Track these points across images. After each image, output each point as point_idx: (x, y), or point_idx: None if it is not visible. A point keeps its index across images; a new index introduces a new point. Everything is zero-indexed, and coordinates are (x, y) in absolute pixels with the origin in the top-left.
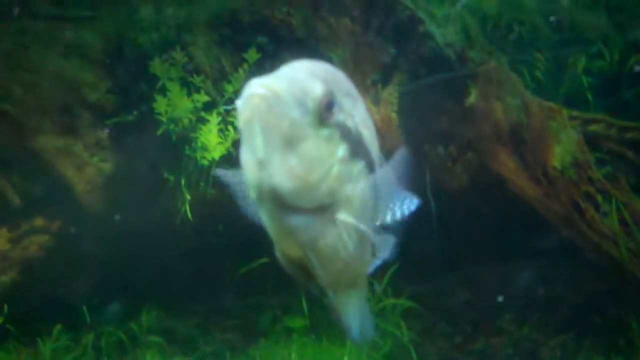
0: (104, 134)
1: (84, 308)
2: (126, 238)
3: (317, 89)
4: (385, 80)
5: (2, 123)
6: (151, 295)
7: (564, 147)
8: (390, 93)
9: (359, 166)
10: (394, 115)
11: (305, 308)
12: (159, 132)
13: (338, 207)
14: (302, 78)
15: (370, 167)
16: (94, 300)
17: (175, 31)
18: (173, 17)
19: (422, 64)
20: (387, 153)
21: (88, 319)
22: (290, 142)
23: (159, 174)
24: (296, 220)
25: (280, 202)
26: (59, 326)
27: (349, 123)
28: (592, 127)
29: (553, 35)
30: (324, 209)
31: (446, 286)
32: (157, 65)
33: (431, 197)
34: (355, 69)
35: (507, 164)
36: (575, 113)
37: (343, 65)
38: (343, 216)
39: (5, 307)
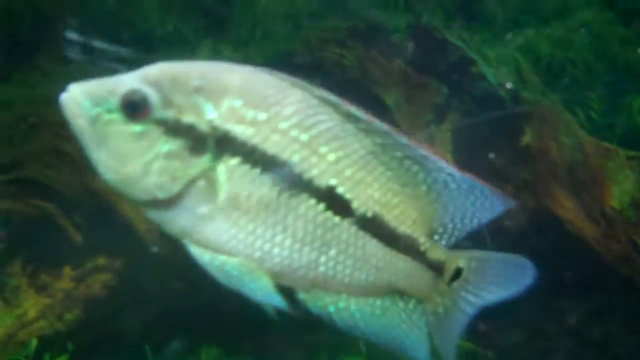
0: None
1: (146, 346)
2: (186, 275)
3: (121, 89)
4: (438, 121)
5: (64, 163)
6: (210, 333)
7: (621, 187)
8: (444, 133)
9: (228, 164)
10: (449, 155)
11: (363, 347)
12: None
13: (198, 203)
14: (122, 79)
15: (265, 167)
16: (155, 338)
17: None
18: (230, 60)
19: (475, 104)
20: None
21: (150, 357)
22: (99, 139)
23: None
24: (151, 215)
25: (125, 198)
26: None
27: (190, 120)
28: None
29: (606, 75)
30: (168, 203)
31: (502, 325)
32: None
33: (488, 237)
34: (408, 109)
35: (564, 204)
36: (632, 153)
37: (397, 106)
38: (204, 209)
39: (70, 345)
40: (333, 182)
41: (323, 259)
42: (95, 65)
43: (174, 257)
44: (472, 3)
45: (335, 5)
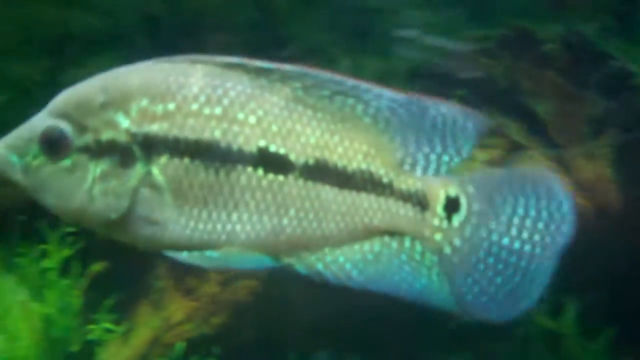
0: None
1: (291, 355)
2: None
3: (36, 132)
4: (595, 135)
5: None
6: (356, 345)
7: None
8: (604, 148)
9: (160, 164)
10: (608, 170)
11: None
12: None
13: (150, 210)
14: (34, 122)
15: (193, 154)
16: (302, 348)
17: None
18: (370, 71)
19: (635, 118)
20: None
21: None
22: (39, 186)
23: None
24: (115, 236)
25: (86, 227)
26: None
27: (108, 137)
28: None
29: None
30: (123, 220)
31: None
32: None
33: None
34: (562, 122)
35: None
36: None
37: (549, 119)
38: (157, 213)
39: (216, 349)
40: (262, 143)
41: (285, 221)
42: None
43: None
44: (634, 12)
45: (482, 14)
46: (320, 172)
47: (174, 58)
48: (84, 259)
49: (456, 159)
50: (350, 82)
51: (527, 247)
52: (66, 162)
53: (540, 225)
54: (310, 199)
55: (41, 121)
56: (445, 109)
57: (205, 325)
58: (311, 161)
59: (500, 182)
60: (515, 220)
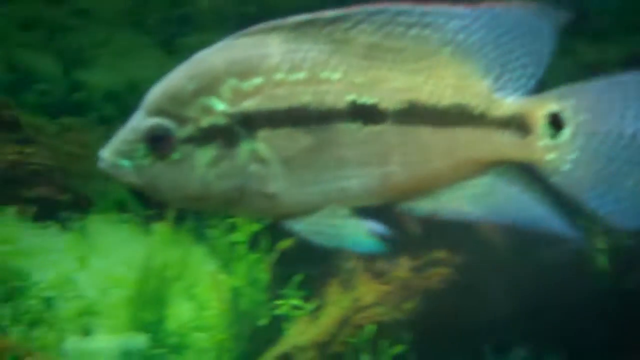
0: None
1: (486, 347)
2: (534, 278)
3: (140, 132)
4: None
5: None
6: (557, 342)
7: None
8: None
9: (263, 138)
10: None
11: None
12: None
13: (263, 185)
14: (134, 125)
15: (291, 122)
16: (497, 341)
17: None
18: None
19: None
20: None
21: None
22: (152, 184)
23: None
24: (233, 213)
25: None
26: None
27: (208, 123)
28: None
29: None
30: (239, 200)
31: None
32: None
33: None
34: None
35: None
36: None
37: None
38: (270, 187)
39: (408, 335)
40: (351, 97)
41: (390, 168)
42: None
43: (521, 258)
44: None
45: None
46: (412, 115)
47: (247, 31)
48: (273, 235)
49: (542, 66)
50: (419, 8)
51: None
52: (175, 156)
53: None
54: (410, 142)
55: (141, 122)
56: (516, 11)
57: (397, 310)
58: (402, 106)
59: (602, 89)
60: (628, 121)
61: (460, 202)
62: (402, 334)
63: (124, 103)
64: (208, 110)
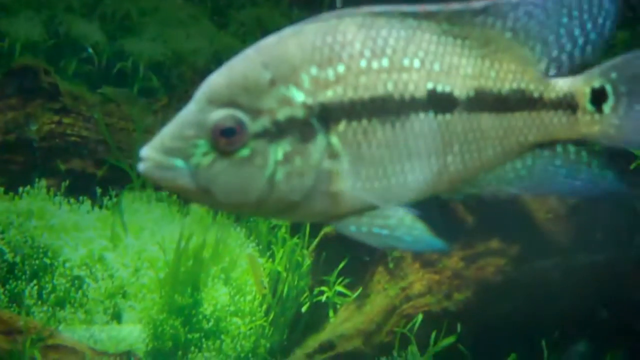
0: None
1: (543, 341)
2: (594, 274)
3: (206, 126)
4: None
5: None
6: (619, 339)
7: None
8: None
9: (339, 131)
10: None
11: None
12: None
13: (329, 183)
14: (194, 117)
15: (370, 113)
16: (555, 335)
17: None
18: None
19: None
20: None
21: (546, 354)
22: (209, 185)
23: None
24: (286, 218)
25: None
26: (513, 355)
27: (286, 115)
28: None
29: None
30: (303, 200)
31: None
32: None
33: None
34: None
35: None
36: None
37: None
38: (336, 186)
39: (459, 326)
40: (430, 85)
41: (450, 158)
42: None
43: (578, 251)
44: None
45: None
46: (479, 101)
47: (319, 17)
48: None
49: (599, 43)
50: (497, 8)
51: None
52: (244, 152)
53: None
54: (473, 130)
55: (205, 113)
56: None
57: (447, 301)
58: (472, 93)
59: (637, 61)
60: None
61: (500, 185)
62: (452, 325)
63: (168, 75)
64: (286, 101)
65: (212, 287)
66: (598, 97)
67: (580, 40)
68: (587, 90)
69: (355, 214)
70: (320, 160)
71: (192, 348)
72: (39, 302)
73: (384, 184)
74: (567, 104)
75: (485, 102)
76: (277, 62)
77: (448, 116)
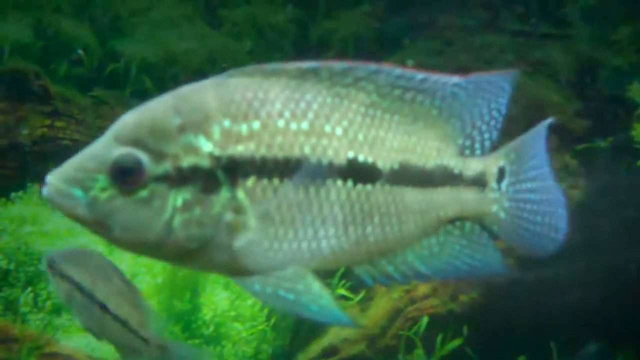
0: (572, 159)
1: (552, 343)
2: (601, 274)
3: (105, 162)
4: None
5: None
6: (629, 339)
7: None
8: None
9: (246, 187)
10: None
11: None
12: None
13: (232, 236)
14: (99, 152)
15: (282, 173)
16: (563, 337)
17: None
18: None
19: None
20: None
21: (556, 356)
22: (106, 220)
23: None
24: (186, 265)
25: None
26: (522, 357)
27: (190, 163)
28: None
29: None
30: (202, 249)
31: None
32: (636, 90)
33: None
34: None
35: None
36: None
37: None
38: (240, 241)
39: (465, 328)
40: (351, 154)
41: (369, 229)
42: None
43: (585, 249)
44: None
45: None
46: (403, 175)
47: (242, 70)
48: None
49: (500, 119)
50: (421, 75)
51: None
52: (142, 193)
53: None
54: (395, 203)
55: (108, 149)
56: (490, 77)
57: (453, 303)
58: (396, 166)
59: (527, 140)
60: (533, 173)
61: (414, 262)
62: (458, 327)
63: (161, 76)
64: (192, 150)
65: (212, 292)
66: (500, 177)
67: (487, 117)
68: (495, 169)
69: (262, 273)
70: (221, 213)
71: None
72: (35, 310)
73: (294, 246)
74: (480, 182)
75: (410, 176)
76: (189, 110)
77: (369, 187)
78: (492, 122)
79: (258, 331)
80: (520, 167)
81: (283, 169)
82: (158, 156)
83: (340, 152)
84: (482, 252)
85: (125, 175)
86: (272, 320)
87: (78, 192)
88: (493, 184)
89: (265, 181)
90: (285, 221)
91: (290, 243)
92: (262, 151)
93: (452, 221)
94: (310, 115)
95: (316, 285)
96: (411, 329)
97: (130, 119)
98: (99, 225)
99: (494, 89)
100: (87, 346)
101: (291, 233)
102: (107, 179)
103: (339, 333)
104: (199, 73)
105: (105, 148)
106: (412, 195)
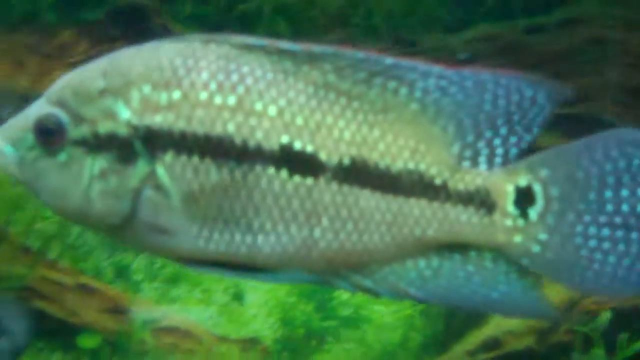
0: None
1: None
2: None
3: (30, 121)
4: None
5: None
6: None
7: None
8: None
9: (165, 162)
10: None
11: None
12: None
13: (155, 214)
14: (30, 109)
15: (202, 151)
16: None
17: None
18: None
19: None
20: None
21: None
22: (34, 180)
23: None
24: (124, 241)
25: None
26: None
27: (106, 129)
28: None
29: None
30: (127, 224)
31: None
32: None
33: None
34: None
35: None
36: None
37: None
38: (164, 218)
39: None
40: (285, 139)
41: (317, 232)
42: None
43: None
44: None
45: None
46: (357, 173)
47: (188, 37)
48: None
49: (527, 139)
50: (390, 60)
51: (633, 220)
52: (62, 156)
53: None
54: (347, 206)
55: (37, 108)
56: (507, 81)
57: None
58: (346, 161)
59: (577, 154)
60: (608, 193)
61: (398, 283)
62: None
63: (297, 18)
64: (110, 115)
65: None
66: (523, 199)
67: (503, 130)
68: (510, 188)
69: (196, 263)
70: (139, 187)
71: (328, 337)
72: (149, 278)
73: (227, 236)
74: (481, 201)
75: (367, 176)
76: (114, 73)
77: (309, 180)
78: (514, 139)
79: (405, 317)
80: (570, 189)
81: (203, 146)
82: (77, 119)
83: (272, 136)
84: (504, 284)
85: (46, 136)
86: (421, 305)
87: (9, 149)
88: (509, 207)
89: (184, 158)
90: (212, 207)
91: (222, 233)
92: (181, 124)
93: (447, 245)
94: (241, 89)
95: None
96: (588, 324)
97: (62, 80)
98: (30, 185)
99: (517, 98)
100: (207, 321)
101: (221, 221)
102: (33, 138)
103: (501, 324)
104: (340, 17)
105: (36, 107)
106: (371, 201)
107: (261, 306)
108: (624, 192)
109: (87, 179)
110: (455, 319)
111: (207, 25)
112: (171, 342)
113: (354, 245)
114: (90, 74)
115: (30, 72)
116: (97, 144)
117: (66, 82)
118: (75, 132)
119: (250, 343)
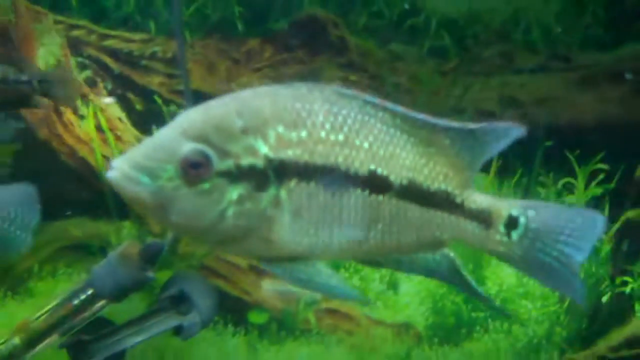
0: None
1: None
2: None
3: (176, 154)
4: None
5: None
6: None
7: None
8: None
9: (289, 187)
10: None
11: None
12: None
13: (268, 229)
14: (169, 143)
15: (317, 178)
16: None
17: None
18: None
19: None
20: None
21: None
22: (167, 207)
23: None
24: (221, 249)
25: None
26: None
27: (249, 162)
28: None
29: None
30: (243, 236)
31: None
32: None
33: None
34: None
35: None
36: (60, 18)
37: None
38: (275, 234)
39: None
40: (372, 167)
41: (372, 233)
42: None
43: None
44: None
45: None
46: (410, 191)
47: (293, 84)
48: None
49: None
50: (443, 122)
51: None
52: (205, 186)
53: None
54: (399, 214)
55: (177, 143)
56: (494, 126)
57: None
58: (405, 182)
59: (557, 211)
60: (562, 237)
61: (410, 273)
62: None
63: (461, 33)
64: (252, 151)
65: (497, 266)
66: (511, 224)
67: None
68: (505, 214)
69: (283, 261)
70: (266, 208)
71: (477, 327)
72: None
73: (312, 240)
74: (483, 219)
75: (415, 193)
76: (250, 114)
77: (380, 197)
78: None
79: (550, 312)
80: (542, 228)
81: (319, 174)
82: (223, 154)
83: (364, 164)
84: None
85: (193, 169)
86: (566, 303)
87: (145, 179)
88: (500, 227)
89: (304, 184)
90: (311, 220)
91: (310, 238)
92: (306, 157)
93: (458, 244)
94: (345, 129)
95: (326, 270)
96: None
97: (197, 116)
98: (159, 209)
99: (495, 136)
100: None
101: (312, 229)
102: (175, 170)
103: None
104: (501, 32)
105: (174, 141)
106: (414, 212)
107: (414, 295)
108: (570, 240)
109: (225, 204)
110: (598, 318)
111: (379, 37)
112: (332, 323)
113: (391, 242)
114: (227, 113)
115: (220, 76)
116: (239, 174)
117: (205, 119)
118: (221, 165)
119: (404, 328)
